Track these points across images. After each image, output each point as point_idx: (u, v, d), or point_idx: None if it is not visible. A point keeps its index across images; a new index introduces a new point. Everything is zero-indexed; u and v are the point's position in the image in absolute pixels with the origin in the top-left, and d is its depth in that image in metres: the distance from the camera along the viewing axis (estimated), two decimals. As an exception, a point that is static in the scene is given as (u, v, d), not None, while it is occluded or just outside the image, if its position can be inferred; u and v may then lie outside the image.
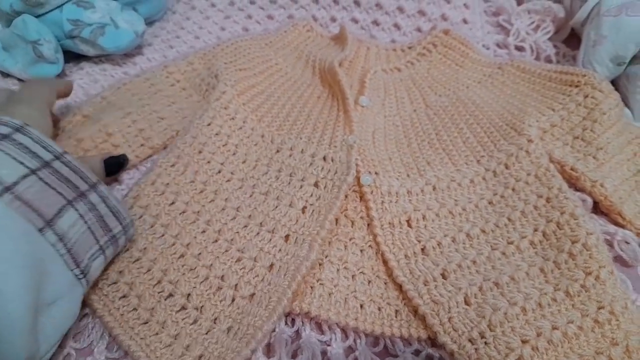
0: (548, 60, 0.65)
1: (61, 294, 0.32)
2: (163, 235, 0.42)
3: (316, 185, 0.47)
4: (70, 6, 0.60)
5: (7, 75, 0.63)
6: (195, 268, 0.40)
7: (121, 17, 0.63)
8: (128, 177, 0.50)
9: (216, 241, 0.43)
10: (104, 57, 0.66)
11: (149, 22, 0.71)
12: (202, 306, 0.38)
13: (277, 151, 0.51)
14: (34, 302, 0.29)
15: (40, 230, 0.31)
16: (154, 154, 0.52)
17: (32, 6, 0.59)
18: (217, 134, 0.51)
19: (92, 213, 0.35)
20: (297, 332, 0.39)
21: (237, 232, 0.43)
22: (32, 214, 0.31)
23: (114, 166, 0.46)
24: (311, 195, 0.46)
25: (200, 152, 0.49)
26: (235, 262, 0.41)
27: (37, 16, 0.60)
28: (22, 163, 0.32)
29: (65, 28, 0.61)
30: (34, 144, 0.33)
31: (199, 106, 0.56)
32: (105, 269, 0.39)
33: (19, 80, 0.63)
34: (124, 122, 0.51)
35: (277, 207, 0.45)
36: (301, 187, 0.46)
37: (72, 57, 0.65)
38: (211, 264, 0.41)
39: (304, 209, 0.45)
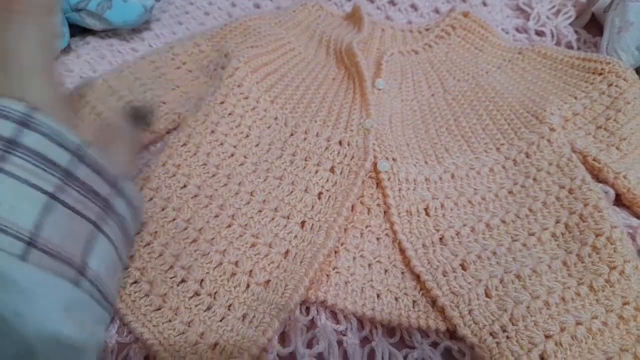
0: (569, 46, 0.63)
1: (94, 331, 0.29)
2: (174, 220, 0.41)
3: (332, 170, 0.45)
4: (77, -23, 0.58)
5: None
6: (208, 253, 0.39)
7: (130, -10, 0.60)
8: (138, 156, 0.49)
9: (230, 226, 0.41)
10: (110, 32, 0.64)
11: (157, -3, 0.69)
12: (216, 292, 0.37)
13: (292, 134, 0.49)
14: None
15: (75, 282, 0.26)
16: (157, 139, 0.51)
17: (37, -24, 0.57)
18: (230, 114, 0.49)
19: (119, 229, 0.31)
20: (312, 321, 0.38)
21: (252, 217, 0.42)
22: (63, 266, 0.26)
23: (142, 118, 0.42)
24: (327, 180, 0.45)
25: (212, 132, 0.47)
26: (250, 247, 0.40)
27: (42, -13, 0.58)
28: (38, 187, 0.25)
29: (72, 0, 0.59)
30: (47, 142, 0.26)
31: (207, 87, 0.54)
32: None
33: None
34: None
35: (292, 192, 0.44)
36: (317, 172, 0.45)
37: (78, 31, 0.63)
38: (225, 249, 0.39)
39: (319, 195, 0.44)
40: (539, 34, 0.65)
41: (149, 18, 0.64)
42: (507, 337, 0.34)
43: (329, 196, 0.44)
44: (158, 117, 0.44)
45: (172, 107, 0.51)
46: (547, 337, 0.34)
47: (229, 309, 0.36)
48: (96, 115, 0.50)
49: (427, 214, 0.43)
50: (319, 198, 0.44)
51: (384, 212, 0.44)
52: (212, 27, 0.61)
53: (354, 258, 0.40)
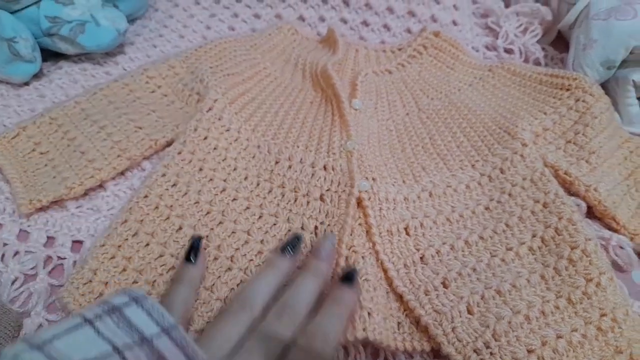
0: (537, 62, 0.66)
1: None
2: (173, 268, 0.40)
3: (322, 199, 0.45)
4: (48, 2, 0.58)
5: (-21, 74, 0.60)
6: (209, 302, 0.38)
7: (102, 13, 0.60)
8: (113, 183, 0.48)
9: (229, 269, 0.41)
10: (83, 56, 0.63)
11: (131, 20, 0.68)
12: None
13: (276, 162, 0.49)
14: None
15: None
16: (133, 165, 0.50)
17: (7, 1, 0.56)
18: (215, 148, 0.49)
19: None
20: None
21: (251, 260, 0.42)
22: None
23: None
24: (319, 211, 0.45)
25: (200, 169, 0.47)
26: None
27: (13, 12, 0.57)
28: (109, 341, 0.26)
29: (43, 25, 0.58)
30: (144, 316, 0.28)
31: (182, 113, 0.54)
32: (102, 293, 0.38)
33: (-7, 80, 0.60)
34: (98, 136, 0.50)
35: (289, 230, 0.44)
36: (308, 203, 0.45)
37: (50, 55, 0.62)
38: (226, 296, 0.39)
39: (315, 231, 0.44)
40: (508, 51, 0.67)
41: (122, 41, 0.64)
42: (491, 354, 0.34)
43: (324, 230, 0.43)
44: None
45: (148, 133, 0.50)
46: (529, 351, 0.34)
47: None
48: (69, 140, 0.49)
49: (407, 234, 0.44)
50: (316, 235, 0.43)
51: (366, 231, 0.44)
52: (186, 49, 0.61)
53: None
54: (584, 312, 0.36)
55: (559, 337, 0.35)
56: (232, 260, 0.41)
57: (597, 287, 0.37)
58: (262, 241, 0.43)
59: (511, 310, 0.36)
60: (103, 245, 0.40)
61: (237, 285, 0.40)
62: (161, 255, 0.41)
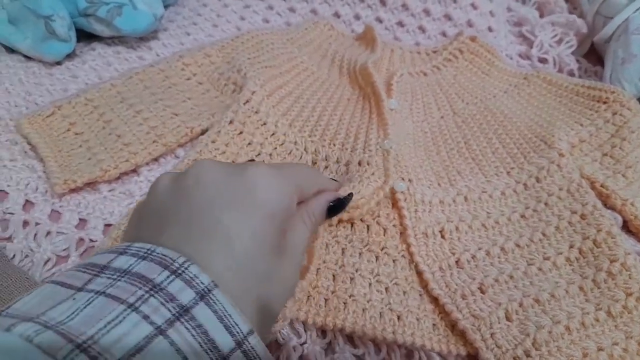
0: (570, 74, 0.65)
1: None
2: None
3: (349, 180, 0.45)
4: (88, -18, 0.57)
5: (12, 50, 0.59)
6: None
7: (140, -2, 0.60)
8: (147, 169, 0.48)
9: None
10: (117, 39, 0.63)
11: (165, 6, 0.68)
12: None
13: (313, 163, 0.49)
14: None
15: None
16: (168, 151, 0.50)
17: (46, -21, 0.55)
18: (249, 144, 0.49)
19: None
20: (330, 344, 0.38)
21: None
22: None
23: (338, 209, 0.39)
24: (346, 185, 0.43)
25: (233, 162, 0.46)
26: None
27: (51, -10, 0.56)
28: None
29: (80, 5, 0.58)
30: (216, 322, 0.23)
31: (218, 102, 0.53)
32: None
33: (25, 57, 0.59)
34: (134, 120, 0.49)
35: None
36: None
37: (83, 36, 0.62)
38: None
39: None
40: (542, 61, 0.67)
41: (158, 27, 0.63)
42: (531, 363, 0.34)
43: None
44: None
45: (184, 120, 0.50)
46: (570, 363, 0.34)
47: None
48: (104, 123, 0.49)
49: (443, 237, 0.43)
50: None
51: (400, 233, 0.44)
52: (223, 39, 0.61)
53: (370, 284, 0.40)
54: (625, 326, 0.36)
55: (600, 349, 0.35)
56: None
57: (638, 301, 0.37)
58: None
59: (551, 320, 0.36)
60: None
61: None
62: None
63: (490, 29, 0.68)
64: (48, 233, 0.42)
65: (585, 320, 0.36)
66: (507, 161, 0.50)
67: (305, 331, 0.38)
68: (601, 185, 0.47)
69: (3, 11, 0.58)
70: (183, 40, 0.65)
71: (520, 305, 0.38)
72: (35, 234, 0.42)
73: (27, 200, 0.44)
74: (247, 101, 0.50)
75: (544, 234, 0.43)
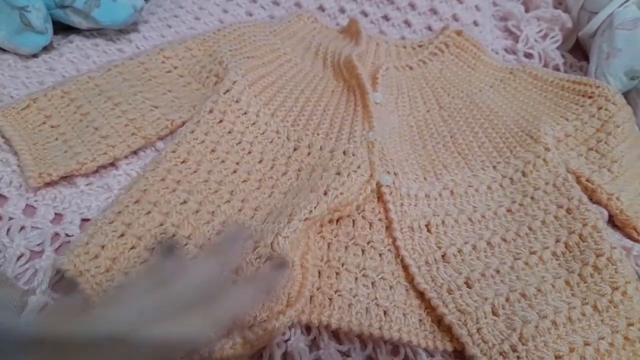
0: (556, 69, 0.65)
1: None
2: (174, 236, 0.39)
3: (338, 174, 0.43)
4: (64, -28, 0.56)
5: (-15, 42, 0.57)
6: None
7: (119, -11, 0.58)
8: (126, 162, 0.47)
9: None
10: (96, 32, 0.61)
11: (145, -2, 0.67)
12: None
13: (295, 149, 0.48)
14: None
15: None
16: (147, 144, 0.48)
17: (22, -31, 0.54)
18: (229, 132, 0.48)
19: None
20: (314, 341, 0.37)
21: (256, 230, 0.40)
22: None
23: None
24: (333, 180, 0.42)
25: (213, 150, 0.46)
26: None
27: (26, -20, 0.55)
28: None
29: (57, -4, 0.56)
30: None
31: (199, 95, 0.52)
32: (109, 269, 0.36)
33: (0, 49, 0.57)
34: (113, 112, 0.48)
35: (296, 196, 0.42)
36: (322, 177, 0.43)
37: (60, 28, 0.60)
38: None
39: (325, 192, 0.41)
40: (527, 55, 0.67)
41: (137, 19, 0.62)
42: (518, 357, 0.34)
43: (335, 195, 0.41)
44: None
45: (164, 113, 0.49)
46: (557, 357, 0.34)
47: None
48: (82, 115, 0.48)
49: (429, 231, 0.43)
50: (325, 195, 0.41)
51: (386, 227, 0.43)
52: (204, 32, 0.60)
53: (356, 279, 0.39)
54: (611, 320, 0.36)
55: (586, 344, 0.34)
56: None
57: (624, 295, 0.37)
58: (268, 214, 0.42)
59: (538, 315, 0.36)
60: (112, 222, 0.38)
61: None
62: (161, 224, 0.39)
63: (475, 23, 0.67)
64: (22, 228, 0.41)
65: (571, 314, 0.36)
66: (493, 155, 0.49)
67: (290, 328, 0.37)
68: (587, 180, 0.47)
69: (-23, 2, 0.56)
70: (164, 32, 0.64)
71: (507, 300, 0.37)
72: (9, 229, 0.40)
73: (0, 195, 0.42)
74: (228, 90, 0.49)
75: (530, 228, 0.43)
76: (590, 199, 0.47)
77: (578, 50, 0.69)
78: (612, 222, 0.47)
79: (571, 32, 0.69)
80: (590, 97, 0.53)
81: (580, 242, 0.41)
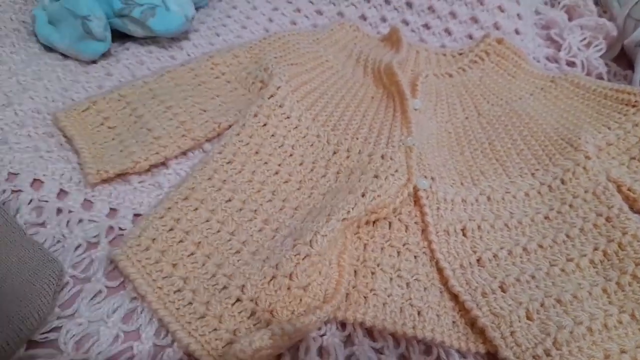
0: (599, 77, 0.64)
1: None
2: (219, 232, 0.41)
3: (376, 177, 0.45)
4: (123, -16, 0.59)
5: (50, 49, 0.62)
6: (251, 263, 0.39)
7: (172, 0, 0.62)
8: (176, 162, 0.49)
9: (273, 238, 0.41)
10: (150, 39, 0.65)
11: (196, 8, 0.70)
12: (258, 297, 0.37)
13: (335, 153, 0.50)
14: None
15: None
16: (196, 146, 0.51)
17: (85, -19, 0.58)
18: (272, 135, 0.50)
19: None
20: (349, 337, 0.38)
21: (295, 229, 0.42)
22: None
23: None
24: (371, 183, 0.44)
25: (257, 152, 0.48)
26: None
27: (89, -9, 0.59)
28: None
29: (116, 6, 0.60)
30: None
31: (245, 100, 0.54)
32: (158, 260, 0.39)
33: (63, 55, 0.62)
34: (165, 115, 0.51)
35: (335, 197, 0.44)
36: (360, 180, 0.45)
37: (118, 36, 0.64)
38: (267, 257, 0.39)
39: (363, 194, 0.42)
40: (570, 64, 0.66)
41: (189, 28, 0.65)
42: (551, 362, 0.34)
43: (373, 197, 0.42)
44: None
45: (212, 116, 0.52)
46: (592, 363, 0.34)
47: (272, 314, 0.36)
48: (136, 117, 0.51)
49: (465, 235, 0.43)
50: (363, 196, 0.42)
51: (422, 230, 0.44)
52: (251, 40, 0.62)
53: (391, 279, 0.40)
54: (649, 329, 0.35)
55: (622, 352, 0.34)
56: (276, 231, 0.42)
57: (663, 305, 0.36)
58: (308, 213, 0.44)
59: (573, 321, 0.36)
60: (162, 217, 0.41)
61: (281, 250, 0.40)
62: (207, 220, 0.42)
63: (517, 32, 0.67)
64: (80, 220, 0.44)
65: (607, 322, 0.36)
66: (531, 162, 0.49)
67: (325, 324, 0.38)
68: (628, 189, 0.47)
69: (44, 12, 0.61)
70: (213, 40, 0.67)
71: (542, 305, 0.37)
72: (68, 221, 0.44)
73: (61, 189, 0.46)
74: (272, 95, 0.52)
75: (567, 236, 0.43)
76: (632, 209, 0.46)
77: (623, 59, 0.68)
78: (655, 232, 0.46)
79: (616, 41, 0.68)
80: (634, 106, 0.52)
81: (620, 250, 0.40)
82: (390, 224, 0.44)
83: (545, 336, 0.35)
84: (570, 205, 0.45)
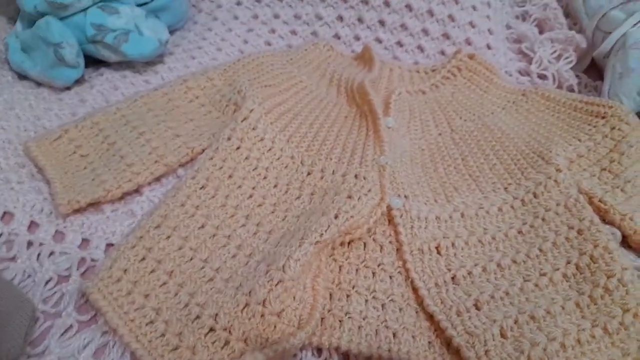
0: (570, 89, 0.65)
1: None
2: (192, 259, 0.41)
3: (349, 197, 0.44)
4: (95, 10, 0.60)
5: (23, 77, 0.62)
6: (224, 291, 0.39)
7: (145, 24, 0.62)
8: (149, 189, 0.49)
9: (247, 264, 0.41)
10: (124, 64, 0.65)
11: (171, 31, 0.70)
12: (231, 326, 0.36)
13: (309, 174, 0.50)
14: None
15: None
16: (169, 171, 0.51)
17: (56, 8, 0.58)
18: (246, 158, 0.50)
19: None
20: (324, 362, 0.38)
21: (269, 253, 0.42)
22: None
23: None
24: (344, 204, 0.43)
25: (230, 176, 0.48)
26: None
27: (61, 19, 0.59)
28: None
29: (88, 32, 0.60)
30: None
31: (219, 123, 0.54)
32: (130, 292, 0.38)
33: (36, 83, 0.61)
34: (137, 141, 0.51)
35: (308, 219, 0.44)
36: (333, 201, 0.45)
37: (91, 62, 0.64)
38: (240, 284, 0.39)
39: (336, 216, 0.42)
40: (541, 77, 0.67)
41: (163, 52, 0.65)
42: (525, 380, 0.34)
43: (346, 218, 0.42)
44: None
45: (186, 141, 0.51)
46: (564, 380, 0.34)
47: (246, 343, 0.36)
48: (109, 145, 0.51)
49: (439, 253, 0.44)
50: (336, 218, 0.42)
51: (397, 249, 0.44)
52: (225, 62, 0.63)
53: (366, 301, 0.40)
54: (621, 342, 0.36)
55: (595, 367, 0.34)
56: (250, 257, 0.42)
57: (635, 318, 0.37)
58: (282, 237, 0.43)
59: (546, 337, 0.36)
60: (134, 247, 0.41)
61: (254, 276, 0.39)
62: (180, 248, 0.42)
63: (488, 47, 0.68)
64: (51, 253, 0.44)
65: (581, 337, 0.36)
66: (504, 177, 0.50)
67: (301, 350, 0.38)
68: (599, 200, 0.47)
69: (17, 40, 0.61)
70: (188, 63, 0.67)
71: (516, 322, 0.37)
72: (39, 254, 0.43)
73: (32, 221, 0.45)
74: (245, 118, 0.52)
75: (540, 250, 0.43)
76: (603, 220, 0.47)
77: (594, 70, 0.69)
78: (626, 242, 0.47)
79: (586, 53, 0.69)
80: (603, 117, 0.53)
81: (591, 263, 0.41)
82: (365, 244, 0.44)
83: (519, 354, 0.35)
84: (543, 219, 0.45)
